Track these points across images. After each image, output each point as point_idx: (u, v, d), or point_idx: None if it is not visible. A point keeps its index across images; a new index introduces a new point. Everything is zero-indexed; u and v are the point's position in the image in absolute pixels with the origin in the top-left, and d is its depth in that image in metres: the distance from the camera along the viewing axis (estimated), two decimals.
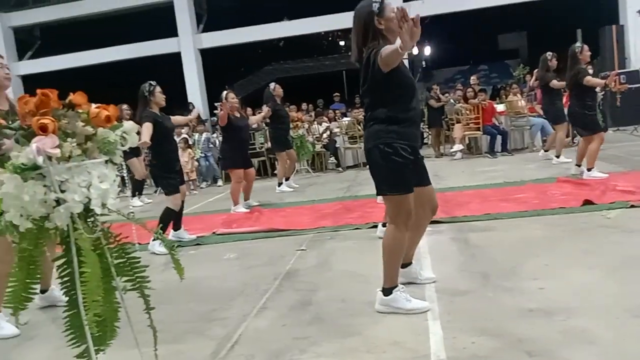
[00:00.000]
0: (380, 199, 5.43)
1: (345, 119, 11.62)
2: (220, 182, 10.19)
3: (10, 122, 1.64)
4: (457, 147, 9.87)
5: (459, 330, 2.42)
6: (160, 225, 4.05)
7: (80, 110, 1.67)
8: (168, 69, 14.68)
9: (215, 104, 14.56)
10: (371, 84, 2.64)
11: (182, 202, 5.07)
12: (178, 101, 15.14)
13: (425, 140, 12.46)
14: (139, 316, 1.94)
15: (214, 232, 5.34)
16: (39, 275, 1.61)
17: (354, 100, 13.56)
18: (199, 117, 12.87)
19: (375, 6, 2.64)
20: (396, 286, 2.72)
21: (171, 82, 9.88)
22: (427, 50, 23.11)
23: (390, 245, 2.72)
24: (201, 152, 10.28)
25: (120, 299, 1.78)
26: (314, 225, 5.19)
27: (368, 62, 2.60)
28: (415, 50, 19.07)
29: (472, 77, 11.38)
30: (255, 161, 10.73)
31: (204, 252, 4.71)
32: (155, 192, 9.06)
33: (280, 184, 8.03)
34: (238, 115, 6.54)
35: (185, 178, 8.91)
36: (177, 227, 5.10)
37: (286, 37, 15.89)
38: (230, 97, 6.40)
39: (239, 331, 2.71)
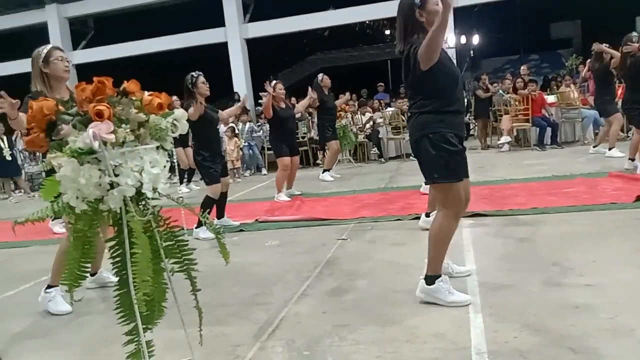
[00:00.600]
0: (424, 188, 5.42)
1: (389, 109, 11.53)
2: (264, 171, 10.33)
3: (68, 109, 1.72)
4: (505, 139, 9.63)
5: (501, 324, 2.39)
6: (203, 212, 4.17)
7: (133, 98, 1.74)
8: (215, 58, 14.92)
9: (261, 94, 14.72)
10: (413, 78, 2.66)
11: (226, 190, 5.18)
12: (224, 91, 15.40)
13: (471, 132, 12.23)
14: (184, 298, 2.01)
15: (256, 220, 5.43)
16: (92, 256, 1.69)
17: (399, 91, 13.41)
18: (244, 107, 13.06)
19: None
20: (439, 276, 2.71)
21: (217, 72, 10.05)
22: (476, 39, 22.54)
23: (438, 233, 2.70)
24: (245, 141, 10.45)
25: (168, 280, 1.85)
26: (355, 215, 5.20)
27: (408, 58, 2.63)
28: (462, 39, 18.66)
29: (522, 67, 11.06)
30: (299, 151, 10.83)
31: (247, 239, 4.80)
32: (201, 179, 9.27)
33: (325, 171, 8.14)
34: (283, 105, 6.61)
35: (230, 166, 9.15)
36: (221, 215, 5.21)
37: (331, 26, 15.83)
38: (278, 88, 6.49)
39: (280, 316, 2.76)
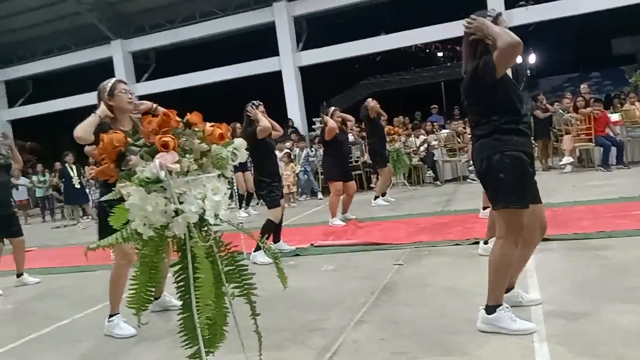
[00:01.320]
0: (483, 213, 5.30)
1: (444, 131, 11.40)
2: (320, 195, 10.41)
3: (136, 141, 1.82)
4: (567, 159, 9.28)
5: (569, 354, 2.28)
6: (263, 236, 4.25)
7: (196, 129, 1.82)
8: (269, 86, 15.30)
9: (314, 119, 14.88)
10: (482, 91, 2.60)
11: (281, 215, 5.26)
12: (278, 117, 15.69)
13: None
14: (243, 322, 2.05)
15: (312, 244, 5.46)
16: (158, 280, 1.76)
17: (453, 112, 13.26)
18: (298, 132, 13.28)
19: (489, 19, 2.60)
20: (500, 305, 2.61)
21: (272, 99, 10.30)
22: (532, 58, 22.01)
23: (498, 262, 2.61)
24: (301, 167, 10.59)
25: (228, 304, 1.89)
26: (411, 239, 5.13)
27: (476, 72, 2.57)
28: (519, 59, 18.26)
29: (582, 86, 10.68)
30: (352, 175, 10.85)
31: (303, 263, 4.83)
32: (257, 204, 9.44)
33: (376, 198, 8.08)
34: (338, 130, 6.69)
35: (286, 191, 9.31)
36: (276, 239, 5.28)
37: (383, 51, 15.93)
38: (336, 115, 6.60)
39: (337, 342, 2.75)
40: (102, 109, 3.23)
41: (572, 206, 5.77)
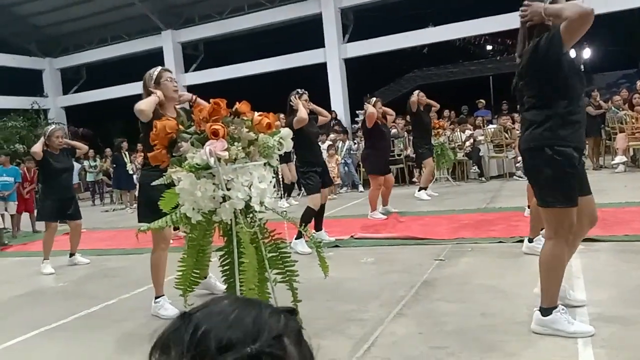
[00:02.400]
0: (528, 212, 5.16)
1: (491, 126, 11.15)
2: (361, 188, 10.39)
3: (187, 128, 1.88)
4: (620, 158, 8.91)
5: (615, 359, 2.22)
6: (303, 224, 4.29)
7: (245, 118, 1.86)
8: (314, 78, 15.33)
9: (357, 112, 14.83)
10: (539, 73, 2.47)
11: (323, 204, 5.29)
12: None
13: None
14: None
15: (352, 236, 5.47)
16: (206, 263, 1.82)
17: (501, 107, 12.93)
18: (340, 125, 13.28)
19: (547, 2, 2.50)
20: (556, 306, 2.52)
21: (316, 91, 10.32)
22: (587, 53, 21.18)
23: (549, 262, 2.52)
24: (342, 159, 10.60)
25: (271, 289, 1.93)
26: (453, 235, 5.07)
27: (537, 48, 2.43)
28: (572, 53, 17.62)
29: (639, 82, 10.22)
30: (393, 168, 10.79)
31: (342, 255, 4.85)
32: (299, 195, 9.51)
33: (421, 189, 8.00)
34: (379, 122, 6.64)
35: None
36: (318, 228, 5.32)
37: (431, 43, 15.68)
38: (378, 106, 6.54)
39: (375, 334, 2.76)
40: (160, 93, 3.29)
41: (624, 207, 5.56)
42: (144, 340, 2.24)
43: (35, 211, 5.85)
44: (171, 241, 5.49)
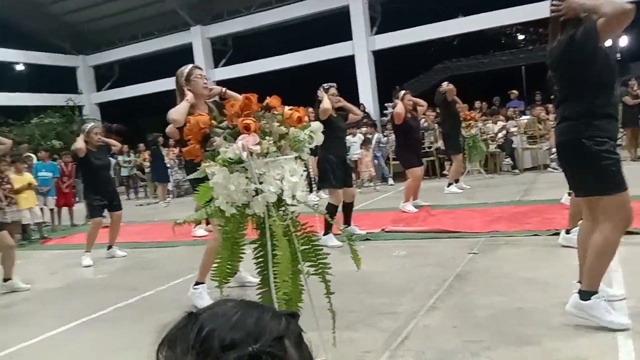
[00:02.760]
0: (565, 199, 5.04)
1: (524, 117, 10.92)
2: (391, 181, 10.34)
3: (219, 123, 1.90)
4: None
5: None
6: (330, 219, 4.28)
7: (275, 112, 1.87)
8: (342, 71, 15.28)
9: (386, 105, 14.74)
10: (573, 66, 2.43)
11: (352, 201, 5.26)
12: (350, 103, 15.67)
13: (618, 141, 11.13)
14: (316, 301, 2.10)
15: (383, 229, 5.45)
16: (241, 255, 1.84)
17: (534, 98, 12.65)
18: (369, 118, 13.22)
19: None
20: (596, 292, 2.48)
21: (344, 85, 10.28)
22: (624, 40, 20.48)
23: (602, 246, 2.46)
24: (372, 152, 10.56)
25: (304, 282, 1.95)
26: (486, 228, 5.00)
27: (572, 40, 2.39)
28: (608, 41, 17.09)
29: None
30: (423, 161, 10.69)
31: (373, 248, 4.84)
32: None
33: (450, 185, 7.89)
34: (410, 115, 6.57)
35: (367, 176, 9.47)
36: (347, 224, 5.31)
37: (461, 33, 15.44)
38: (407, 99, 6.47)
39: (408, 327, 2.75)
40: (191, 96, 3.38)
41: None
42: None
43: (80, 207, 6.06)
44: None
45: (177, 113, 3.26)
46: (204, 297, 3.46)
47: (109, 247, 5.84)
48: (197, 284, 3.56)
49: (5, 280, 4.75)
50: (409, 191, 6.57)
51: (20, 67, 19.61)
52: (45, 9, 18.41)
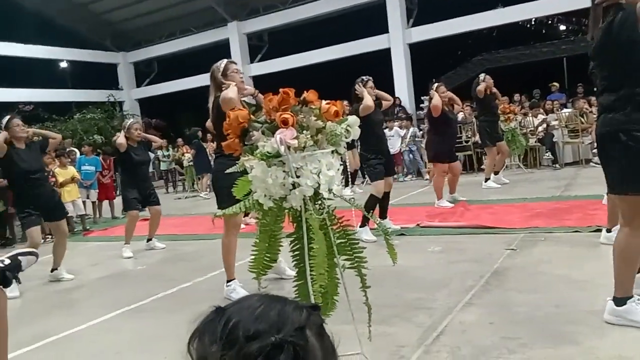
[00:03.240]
0: (606, 200, 4.89)
1: (565, 110, 10.61)
2: (427, 176, 10.24)
3: (258, 118, 1.93)
4: None
5: None
6: (369, 212, 4.29)
7: (313, 106, 1.89)
8: (378, 65, 15.19)
9: (422, 98, 14.57)
10: (612, 54, 2.35)
11: (388, 192, 5.25)
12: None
13: None
14: (351, 295, 2.11)
15: (418, 224, 5.42)
16: (279, 248, 1.87)
17: (576, 90, 12.28)
18: (405, 111, 13.11)
19: None
20: (631, 297, 2.41)
21: (380, 78, 10.20)
22: None
23: (624, 251, 2.41)
24: (406, 146, 10.47)
25: (340, 275, 1.96)
26: (525, 224, 4.90)
27: (611, 27, 2.31)
28: None
29: None
30: (461, 155, 10.53)
31: (408, 243, 4.81)
32: (362, 183, 9.51)
33: (487, 180, 7.72)
34: (446, 108, 6.47)
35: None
36: (383, 216, 5.30)
37: (500, 25, 15.07)
38: (440, 91, 6.35)
39: (444, 322, 2.74)
40: (234, 83, 3.40)
41: None
42: None
43: (121, 200, 6.25)
44: (243, 225, 5.68)
45: (233, 92, 3.26)
46: (238, 292, 3.51)
47: (149, 240, 6.00)
48: (228, 281, 3.63)
49: (52, 270, 4.96)
50: (437, 188, 6.43)
51: (63, 65, 20.26)
52: (87, 8, 18.95)
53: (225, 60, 3.60)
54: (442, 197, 6.44)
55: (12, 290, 4.51)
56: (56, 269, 4.93)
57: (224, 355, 0.67)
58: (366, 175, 6.64)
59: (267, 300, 0.73)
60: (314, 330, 0.70)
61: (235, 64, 3.64)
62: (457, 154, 10.37)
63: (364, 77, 5.14)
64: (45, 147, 5.22)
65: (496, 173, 7.83)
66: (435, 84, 6.57)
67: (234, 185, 1.89)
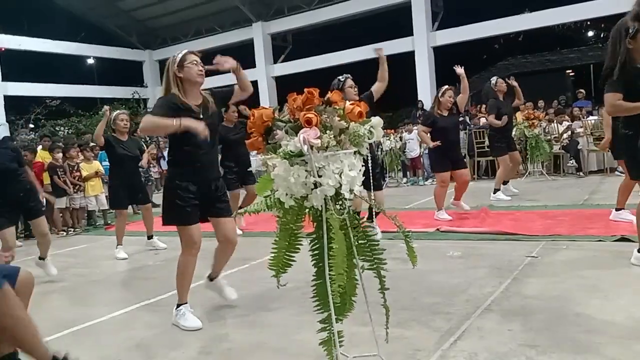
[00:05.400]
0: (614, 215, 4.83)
1: (591, 117, 10.44)
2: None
3: (282, 117, 1.95)
4: None
5: None
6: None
7: (336, 107, 1.89)
8: (401, 67, 15.14)
9: None
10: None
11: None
12: (408, 99, 15.52)
13: None
14: (369, 297, 2.11)
15: (437, 229, 5.38)
16: (298, 246, 1.88)
17: (602, 98, 12.05)
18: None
19: (633, 28, 2.47)
20: None
21: (402, 81, 10.16)
22: None
23: None
24: (424, 149, 10.42)
25: (358, 276, 1.97)
26: (547, 232, 4.84)
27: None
28: None
29: None
30: (482, 160, 10.43)
31: (428, 247, 4.78)
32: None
33: (496, 191, 7.12)
34: (446, 113, 6.03)
35: None
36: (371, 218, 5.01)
37: (526, 29, 14.90)
38: (448, 95, 6.02)
39: (462, 328, 2.72)
40: (185, 125, 2.96)
41: None
42: (236, 316, 2.38)
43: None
44: (240, 232, 5.45)
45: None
46: (187, 318, 3.15)
47: (149, 237, 5.97)
48: (178, 305, 3.23)
49: (41, 258, 4.80)
50: (437, 198, 6.05)
51: (90, 61, 20.64)
52: (115, 6, 19.28)
53: (184, 50, 3.18)
54: (442, 207, 6.08)
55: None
56: (44, 258, 4.83)
57: None
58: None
59: None
60: None
61: (196, 54, 3.16)
62: (477, 159, 10.34)
63: (340, 78, 4.92)
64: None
65: (505, 183, 7.37)
66: (444, 87, 6.18)
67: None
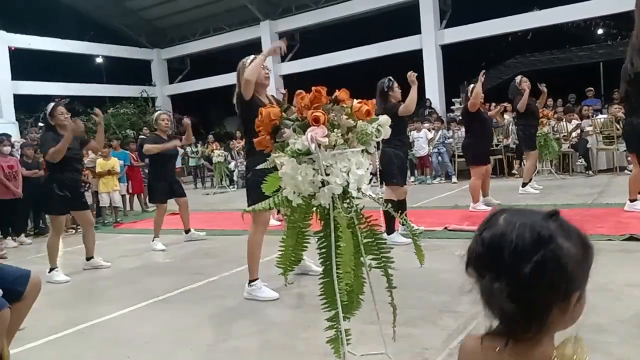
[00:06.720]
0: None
1: (600, 116, 10.35)
2: (454, 179, 10.13)
3: (289, 115, 1.95)
4: None
5: None
6: (400, 213, 4.24)
7: (344, 105, 1.90)
8: (409, 66, 15.08)
9: (453, 100, 14.43)
10: None
11: (404, 198, 5.15)
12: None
13: None
14: (376, 295, 2.11)
15: (445, 227, 5.37)
16: (305, 245, 1.89)
17: (612, 96, 11.96)
18: (435, 113, 12.97)
19: None
20: None
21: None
22: None
23: None
24: (434, 148, 10.38)
25: (366, 274, 1.97)
26: None
27: None
28: None
29: None
30: (491, 159, 10.37)
31: (435, 246, 4.76)
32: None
33: (525, 185, 7.43)
34: (482, 109, 6.37)
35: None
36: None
37: (535, 27, 14.79)
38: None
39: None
40: (266, 52, 3.49)
41: None
42: (243, 314, 2.39)
43: (147, 194, 6.44)
44: (277, 223, 5.68)
45: (250, 71, 3.30)
46: (263, 290, 3.49)
47: (187, 231, 6.20)
48: (251, 281, 3.57)
49: (88, 258, 5.12)
50: (474, 190, 6.31)
51: (99, 60, 20.74)
52: (123, 5, 19.35)
53: (252, 56, 3.55)
54: (479, 200, 6.31)
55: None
56: (92, 257, 5.12)
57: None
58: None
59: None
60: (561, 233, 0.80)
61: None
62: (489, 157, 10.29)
63: (390, 78, 5.13)
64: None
65: (531, 179, 7.57)
66: (471, 86, 6.42)
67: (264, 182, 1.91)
